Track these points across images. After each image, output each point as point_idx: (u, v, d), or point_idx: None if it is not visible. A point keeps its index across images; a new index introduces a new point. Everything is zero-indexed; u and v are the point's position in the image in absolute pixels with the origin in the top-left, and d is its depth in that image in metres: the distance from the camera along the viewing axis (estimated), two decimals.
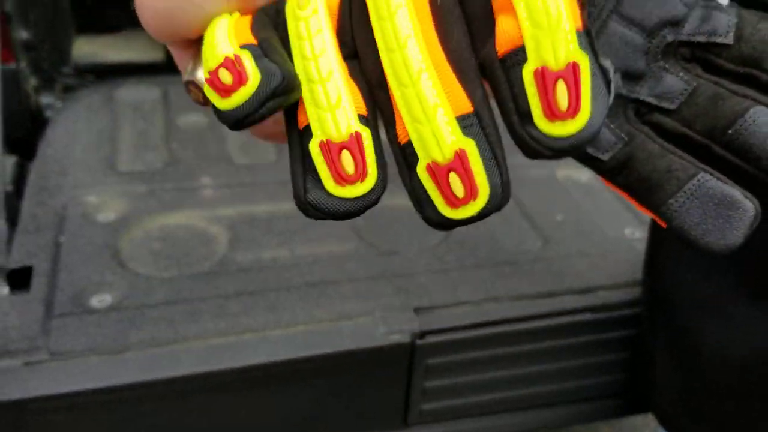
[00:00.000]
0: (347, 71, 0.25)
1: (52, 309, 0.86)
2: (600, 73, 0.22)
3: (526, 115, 0.22)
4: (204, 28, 0.26)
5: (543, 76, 0.22)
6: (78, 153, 1.18)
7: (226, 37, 0.25)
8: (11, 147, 1.23)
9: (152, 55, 1.52)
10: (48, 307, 0.87)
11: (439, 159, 0.23)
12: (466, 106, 0.23)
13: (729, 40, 0.26)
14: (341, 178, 0.24)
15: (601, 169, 0.27)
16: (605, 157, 0.26)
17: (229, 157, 1.22)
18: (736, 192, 0.24)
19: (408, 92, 0.23)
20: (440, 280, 0.95)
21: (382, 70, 0.24)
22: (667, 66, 0.27)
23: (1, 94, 1.18)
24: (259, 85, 0.23)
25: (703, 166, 0.25)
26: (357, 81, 0.25)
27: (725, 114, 0.25)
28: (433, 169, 0.23)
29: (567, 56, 0.21)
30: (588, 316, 0.94)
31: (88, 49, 1.52)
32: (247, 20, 0.27)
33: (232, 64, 0.24)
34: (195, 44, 0.27)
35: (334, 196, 0.24)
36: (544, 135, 0.22)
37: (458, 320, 0.89)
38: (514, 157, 0.25)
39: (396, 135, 0.24)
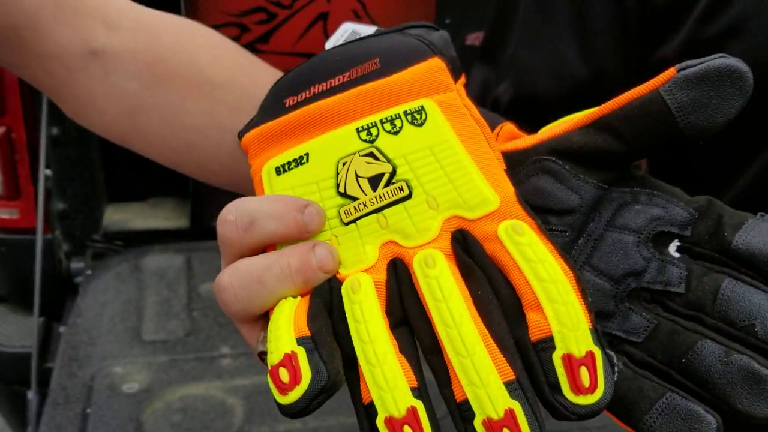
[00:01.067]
0: (397, 348, 0.30)
1: None
2: (608, 359, 0.28)
3: (555, 387, 0.28)
4: (272, 306, 0.31)
5: (570, 362, 0.28)
6: (106, 323, 1.26)
7: (288, 328, 0.29)
8: (40, 309, 1.31)
9: (177, 222, 1.62)
10: None
11: (494, 416, 0.27)
12: (510, 375, 0.28)
13: (681, 289, 0.31)
14: None
15: None
16: None
17: None
18: (699, 408, 0.29)
19: (465, 362, 0.28)
20: None
21: (434, 339, 0.29)
22: (632, 307, 0.32)
23: (39, 266, 1.28)
24: (310, 385, 0.28)
25: (669, 386, 0.30)
26: (405, 353, 0.30)
27: (679, 346, 0.30)
28: (489, 424, 0.27)
29: (587, 347, 0.28)
30: None
31: (117, 216, 1.62)
32: (305, 303, 0.31)
33: (289, 362, 0.28)
34: (263, 319, 0.32)
35: None
36: (571, 403, 0.28)
37: None
38: None
39: (452, 393, 0.28)
